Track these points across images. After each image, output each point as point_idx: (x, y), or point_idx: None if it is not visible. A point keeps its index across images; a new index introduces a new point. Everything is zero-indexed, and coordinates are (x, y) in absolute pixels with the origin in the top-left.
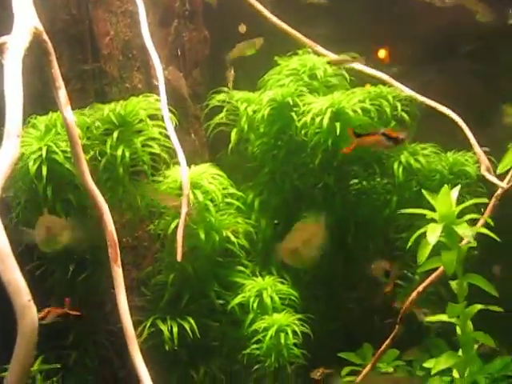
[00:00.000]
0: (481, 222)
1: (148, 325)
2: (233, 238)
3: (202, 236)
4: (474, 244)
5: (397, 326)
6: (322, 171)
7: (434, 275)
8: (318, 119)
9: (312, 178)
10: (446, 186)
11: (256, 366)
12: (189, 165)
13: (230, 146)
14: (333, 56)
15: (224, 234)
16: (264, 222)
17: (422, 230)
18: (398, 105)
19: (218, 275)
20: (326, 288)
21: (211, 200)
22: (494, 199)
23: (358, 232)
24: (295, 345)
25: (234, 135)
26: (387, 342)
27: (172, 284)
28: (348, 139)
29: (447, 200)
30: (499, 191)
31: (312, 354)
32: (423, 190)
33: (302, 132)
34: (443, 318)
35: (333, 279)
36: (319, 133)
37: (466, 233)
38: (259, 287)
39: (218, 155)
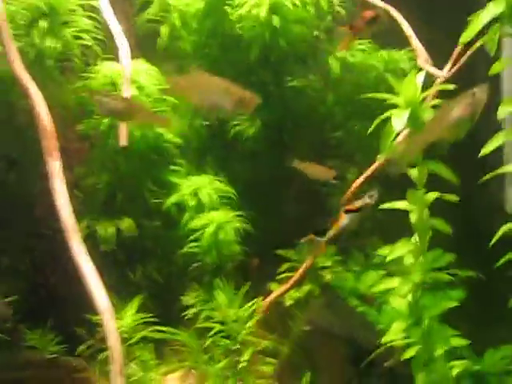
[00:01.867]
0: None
1: (83, 226)
2: (167, 136)
3: (137, 133)
4: None
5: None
6: (258, 67)
7: (371, 168)
8: (254, 11)
9: (247, 75)
10: (411, 73)
11: (194, 265)
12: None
13: (161, 42)
14: None
15: (158, 132)
16: (198, 121)
17: (384, 116)
18: None
19: (153, 175)
20: (263, 186)
21: (147, 95)
22: (435, 87)
23: (295, 129)
24: (235, 242)
25: (164, 31)
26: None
27: (106, 184)
28: (286, 33)
29: (412, 85)
30: (440, 80)
31: (252, 251)
32: (388, 75)
33: (237, 26)
34: (402, 205)
35: (269, 176)
36: (255, 26)
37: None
38: (195, 186)
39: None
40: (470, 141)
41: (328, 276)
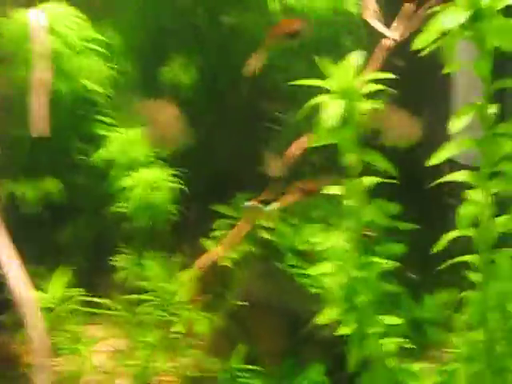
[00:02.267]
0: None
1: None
2: (92, 87)
3: (61, 86)
4: None
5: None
6: (190, 10)
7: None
8: None
9: (181, 17)
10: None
11: (125, 224)
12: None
13: None
14: None
15: (83, 83)
16: (129, 65)
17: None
18: None
19: (79, 128)
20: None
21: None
22: (381, 51)
23: (233, 74)
24: (168, 202)
25: None
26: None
27: (29, 141)
28: None
29: (348, 73)
30: (387, 42)
31: (187, 210)
32: (316, 58)
33: None
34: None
35: (205, 125)
36: None
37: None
38: (125, 140)
39: None
40: None
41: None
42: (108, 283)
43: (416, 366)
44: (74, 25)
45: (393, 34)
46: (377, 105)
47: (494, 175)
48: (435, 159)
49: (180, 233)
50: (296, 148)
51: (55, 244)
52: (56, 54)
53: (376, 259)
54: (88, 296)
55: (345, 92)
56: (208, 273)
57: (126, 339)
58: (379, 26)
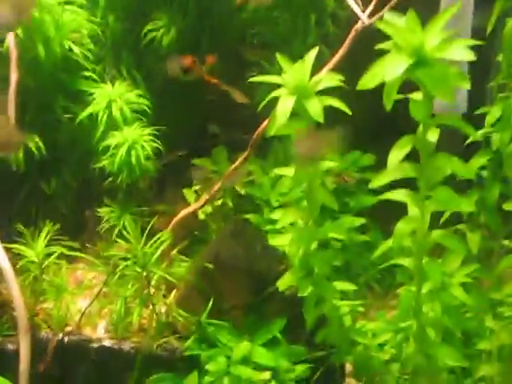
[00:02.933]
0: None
1: None
2: (75, 48)
3: (42, 52)
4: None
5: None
6: None
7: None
8: None
9: None
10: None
11: (108, 179)
12: None
13: None
14: None
15: (66, 46)
16: (112, 18)
17: (272, 96)
18: None
19: (64, 85)
20: (178, 94)
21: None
22: (352, 32)
23: (214, 36)
24: (147, 158)
25: None
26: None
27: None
28: None
29: (302, 70)
30: (359, 24)
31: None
32: (278, 55)
33: None
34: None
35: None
36: None
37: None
38: (108, 98)
39: None
40: None
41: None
42: (91, 233)
43: (370, 325)
44: None
45: (363, 17)
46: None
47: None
48: (377, 182)
49: (164, 183)
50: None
51: (41, 197)
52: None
53: (332, 233)
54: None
55: (297, 88)
56: (183, 227)
57: (107, 287)
58: (355, 7)
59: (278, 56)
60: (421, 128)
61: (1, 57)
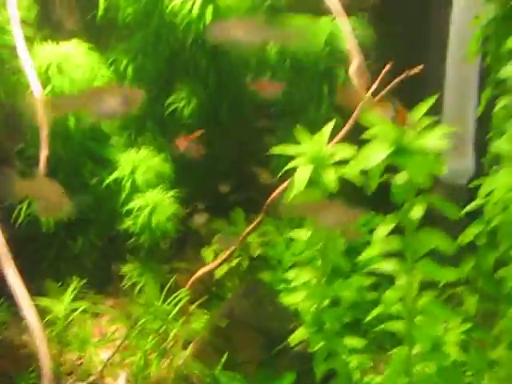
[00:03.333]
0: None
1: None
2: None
3: (72, 124)
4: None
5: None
6: (195, 51)
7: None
8: (188, 5)
9: (185, 54)
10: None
11: (131, 240)
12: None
13: (99, 13)
14: None
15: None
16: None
17: (291, 166)
18: None
19: (91, 151)
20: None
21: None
22: (358, 110)
23: (232, 106)
24: (169, 221)
25: (102, 2)
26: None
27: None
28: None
29: (320, 141)
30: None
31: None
32: (297, 127)
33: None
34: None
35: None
36: (189, 21)
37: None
38: (133, 164)
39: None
40: None
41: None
42: (116, 289)
43: (377, 379)
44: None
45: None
46: None
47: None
48: (366, 255)
49: (184, 242)
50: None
51: (69, 254)
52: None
53: (343, 292)
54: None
55: (315, 158)
56: (201, 283)
57: (128, 340)
58: (359, 86)
59: (297, 128)
60: (406, 206)
61: None
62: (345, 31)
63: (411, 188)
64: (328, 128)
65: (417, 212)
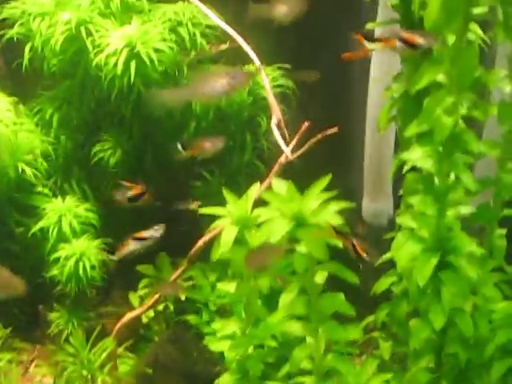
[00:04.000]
0: (262, 187)
1: None
2: (28, 170)
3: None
4: None
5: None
6: (120, 102)
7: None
8: (112, 60)
9: (110, 106)
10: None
11: (58, 288)
12: None
13: (24, 63)
14: None
15: (20, 169)
16: (63, 137)
17: (216, 225)
18: (197, 33)
19: (16, 201)
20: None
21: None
22: (277, 165)
23: (156, 156)
24: (95, 270)
25: (27, 52)
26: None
27: None
28: (145, 73)
29: (245, 204)
30: (283, 158)
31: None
32: (225, 190)
33: (97, 68)
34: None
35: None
36: (114, 75)
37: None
38: (59, 213)
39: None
40: None
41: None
42: (43, 336)
43: None
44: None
45: (288, 151)
46: None
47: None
48: (276, 316)
49: (111, 287)
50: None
51: None
52: None
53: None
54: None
55: (240, 220)
56: (127, 329)
57: None
58: (280, 142)
59: (224, 190)
60: (308, 273)
61: None
62: (264, 84)
63: (311, 258)
64: (253, 191)
65: (319, 278)
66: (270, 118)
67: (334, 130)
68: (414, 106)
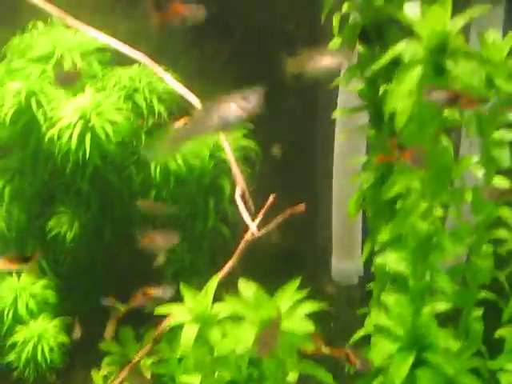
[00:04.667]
0: (226, 268)
1: None
2: None
3: None
4: None
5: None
6: (75, 176)
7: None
8: (66, 134)
9: (64, 179)
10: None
11: (15, 373)
12: None
13: None
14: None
15: None
16: (16, 210)
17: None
18: (154, 100)
19: None
20: (86, 283)
21: None
22: (242, 242)
23: (116, 227)
24: (54, 351)
25: None
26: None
27: None
28: (100, 146)
29: (205, 300)
30: (249, 235)
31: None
32: (182, 285)
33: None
34: None
35: (92, 273)
36: (68, 149)
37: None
38: (14, 293)
39: None
40: None
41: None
42: None
43: None
44: None
45: (253, 227)
46: None
47: None
48: None
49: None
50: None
51: None
52: None
53: None
54: None
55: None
56: None
57: None
58: (245, 215)
59: (182, 287)
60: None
61: None
62: (227, 151)
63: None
64: (212, 286)
65: (291, 377)
66: (232, 180)
67: (301, 207)
68: (385, 207)
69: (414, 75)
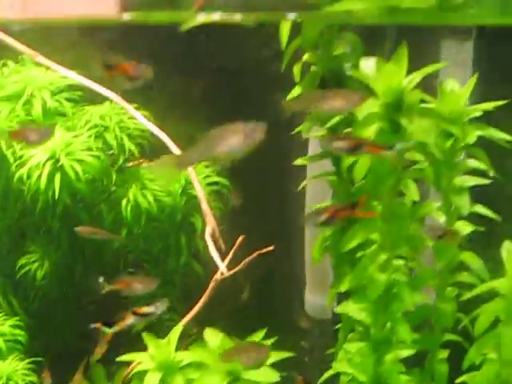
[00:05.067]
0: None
1: None
2: None
3: None
4: None
5: None
6: (45, 214)
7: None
8: (35, 173)
9: (34, 218)
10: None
11: None
12: None
13: None
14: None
15: None
16: None
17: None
18: (125, 138)
19: None
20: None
21: None
22: (212, 282)
23: (87, 268)
24: None
25: None
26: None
27: None
28: (70, 185)
29: (168, 348)
30: (219, 274)
31: None
32: (144, 334)
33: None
34: None
35: (63, 314)
36: (37, 188)
37: None
38: None
39: None
40: None
41: None
42: None
43: None
44: None
45: (223, 268)
46: None
47: None
48: None
49: None
50: None
51: None
52: None
53: None
54: None
55: (163, 364)
56: None
57: None
58: (214, 254)
59: (145, 335)
60: None
61: None
62: (197, 189)
63: None
64: (175, 333)
65: None
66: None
67: (270, 248)
68: (346, 256)
69: (370, 131)
